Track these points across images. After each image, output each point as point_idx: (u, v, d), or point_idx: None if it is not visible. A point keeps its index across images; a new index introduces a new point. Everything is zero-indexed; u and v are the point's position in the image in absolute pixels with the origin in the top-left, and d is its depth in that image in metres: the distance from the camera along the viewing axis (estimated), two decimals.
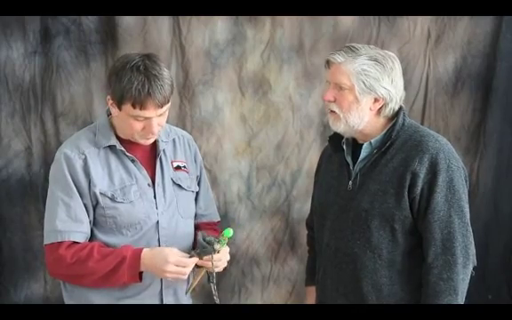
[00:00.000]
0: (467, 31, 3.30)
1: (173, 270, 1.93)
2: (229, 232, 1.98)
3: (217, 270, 2.04)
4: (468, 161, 3.30)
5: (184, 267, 1.95)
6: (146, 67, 1.92)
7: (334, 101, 2.03)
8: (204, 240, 1.99)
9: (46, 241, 2.02)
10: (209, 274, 2.03)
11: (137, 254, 1.96)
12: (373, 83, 1.99)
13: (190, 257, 1.98)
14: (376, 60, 1.99)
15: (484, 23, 3.28)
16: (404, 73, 2.09)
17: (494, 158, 3.38)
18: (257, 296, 3.44)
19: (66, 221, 1.98)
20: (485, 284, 3.32)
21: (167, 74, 1.96)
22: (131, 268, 1.95)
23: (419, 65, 3.32)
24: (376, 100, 2.02)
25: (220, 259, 2.03)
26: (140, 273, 1.99)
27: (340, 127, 2.05)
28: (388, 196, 1.98)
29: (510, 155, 3.38)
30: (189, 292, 2.11)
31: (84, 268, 1.96)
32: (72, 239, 1.98)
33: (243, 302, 3.39)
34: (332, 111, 2.05)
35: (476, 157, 3.39)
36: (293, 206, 3.42)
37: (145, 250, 1.97)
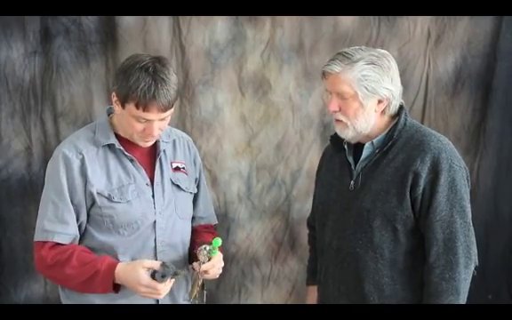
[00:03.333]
0: (467, 31, 3.30)
1: (146, 291, 1.92)
2: (218, 242, 1.98)
3: (210, 277, 2.04)
4: (468, 161, 3.30)
5: (155, 289, 1.91)
6: (155, 69, 1.90)
7: (339, 111, 2.03)
8: (165, 268, 1.93)
9: (35, 238, 2.02)
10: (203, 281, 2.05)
11: (111, 269, 1.94)
12: (375, 86, 1.98)
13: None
14: (373, 63, 1.99)
15: (484, 23, 3.28)
16: (404, 73, 2.10)
17: (494, 158, 3.38)
18: (257, 296, 3.44)
19: (52, 221, 1.98)
20: (485, 284, 3.32)
21: (174, 79, 1.95)
22: (103, 281, 1.94)
23: (419, 65, 3.32)
24: (380, 102, 2.02)
25: (214, 265, 2.01)
26: (117, 284, 1.97)
27: (348, 135, 2.04)
28: (390, 196, 1.98)
29: (510, 155, 3.38)
30: (192, 298, 2.10)
31: (60, 274, 1.96)
32: (56, 240, 1.97)
33: (243, 302, 3.39)
34: (339, 120, 2.04)
35: (476, 157, 3.39)
36: (293, 206, 3.42)
37: (119, 265, 1.95)
